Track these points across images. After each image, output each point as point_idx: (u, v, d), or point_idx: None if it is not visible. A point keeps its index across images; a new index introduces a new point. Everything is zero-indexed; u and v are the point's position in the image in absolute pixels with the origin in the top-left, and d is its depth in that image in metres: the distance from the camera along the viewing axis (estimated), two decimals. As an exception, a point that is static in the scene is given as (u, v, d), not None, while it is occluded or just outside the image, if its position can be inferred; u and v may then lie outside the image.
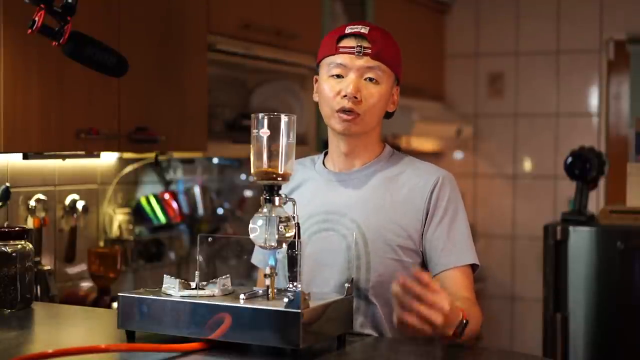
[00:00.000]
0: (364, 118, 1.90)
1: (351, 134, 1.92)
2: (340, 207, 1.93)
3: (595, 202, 4.22)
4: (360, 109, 1.89)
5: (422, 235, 1.91)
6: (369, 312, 1.90)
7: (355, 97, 1.88)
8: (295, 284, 1.74)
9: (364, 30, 1.90)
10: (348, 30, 1.92)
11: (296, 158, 1.81)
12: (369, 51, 1.89)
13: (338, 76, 1.91)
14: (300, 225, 1.90)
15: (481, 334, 4.56)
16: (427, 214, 1.91)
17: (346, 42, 1.91)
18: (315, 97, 2.00)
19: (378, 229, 1.89)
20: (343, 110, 1.89)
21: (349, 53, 1.90)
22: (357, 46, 1.89)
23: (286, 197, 1.72)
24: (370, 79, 1.90)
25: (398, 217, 1.91)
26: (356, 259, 1.89)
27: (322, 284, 1.90)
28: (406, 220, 1.91)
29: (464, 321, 1.72)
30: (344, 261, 1.90)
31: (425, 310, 1.61)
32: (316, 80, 1.99)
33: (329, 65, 1.92)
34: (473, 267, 1.92)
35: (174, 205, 3.13)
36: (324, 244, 1.91)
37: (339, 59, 1.91)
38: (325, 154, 2.05)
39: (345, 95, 1.88)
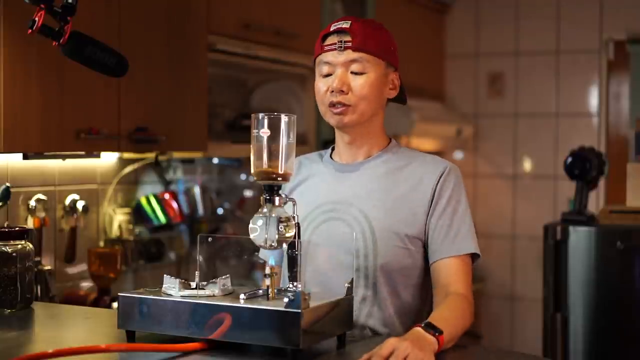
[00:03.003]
0: (355, 108, 1.93)
1: (345, 125, 1.95)
2: (347, 197, 1.96)
3: (595, 202, 4.22)
4: (350, 100, 1.92)
5: (426, 222, 1.93)
6: (376, 300, 1.91)
7: (342, 90, 1.92)
8: (295, 284, 1.73)
9: (346, 25, 1.94)
10: (332, 28, 1.96)
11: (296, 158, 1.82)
12: (350, 44, 1.93)
13: (328, 75, 1.95)
14: (308, 214, 1.94)
15: (481, 334, 4.56)
16: (432, 202, 1.93)
17: (329, 40, 1.95)
18: None
19: (384, 218, 1.91)
20: (332, 105, 1.93)
21: (332, 50, 1.94)
22: (338, 42, 1.93)
23: (286, 197, 1.73)
24: (356, 73, 1.93)
25: (404, 206, 1.93)
26: (364, 247, 1.91)
27: (330, 273, 1.91)
28: (413, 209, 1.93)
29: (436, 332, 1.69)
30: (351, 250, 1.91)
31: None
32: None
33: (319, 65, 1.98)
34: (474, 257, 1.93)
35: (174, 205, 3.13)
36: (332, 232, 1.94)
37: (325, 57, 1.95)
38: (333, 148, 2.08)
39: (332, 91, 1.92)
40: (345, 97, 1.92)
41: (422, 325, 1.69)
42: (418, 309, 1.97)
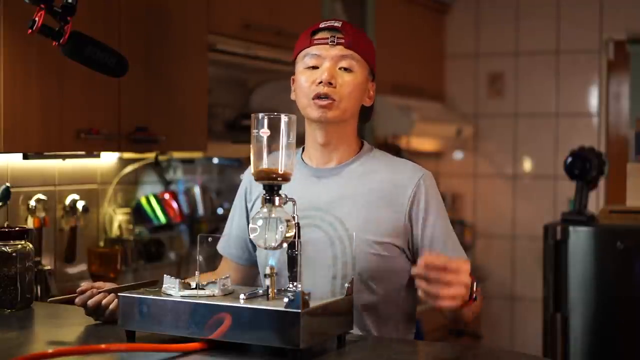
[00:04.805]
0: (339, 104, 1.92)
1: (328, 120, 1.93)
2: (322, 204, 1.93)
3: (595, 202, 4.22)
4: (336, 94, 1.92)
5: (412, 234, 1.93)
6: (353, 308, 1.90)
7: (330, 83, 1.91)
8: (295, 284, 1.73)
9: (337, 24, 1.96)
10: (322, 25, 1.97)
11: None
12: (342, 41, 1.94)
13: (314, 68, 1.94)
14: None
15: (481, 334, 4.56)
16: (411, 213, 1.92)
17: (320, 35, 1.96)
18: (293, 96, 2.02)
19: (360, 225, 1.89)
20: (318, 97, 1.91)
21: (323, 43, 1.94)
22: (331, 37, 1.94)
23: (286, 196, 1.72)
24: (345, 69, 1.94)
25: (379, 214, 1.91)
26: (342, 255, 1.89)
27: (307, 280, 1.90)
28: (388, 217, 1.91)
29: (475, 283, 1.73)
30: (328, 257, 1.90)
31: (449, 290, 1.64)
32: (293, 81, 2.01)
33: (304, 57, 1.96)
34: None
35: (174, 205, 3.13)
36: (307, 239, 1.91)
37: (313, 50, 1.95)
38: (303, 149, 2.06)
39: (320, 82, 1.91)
40: (333, 91, 1.91)
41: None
42: (396, 316, 1.96)
